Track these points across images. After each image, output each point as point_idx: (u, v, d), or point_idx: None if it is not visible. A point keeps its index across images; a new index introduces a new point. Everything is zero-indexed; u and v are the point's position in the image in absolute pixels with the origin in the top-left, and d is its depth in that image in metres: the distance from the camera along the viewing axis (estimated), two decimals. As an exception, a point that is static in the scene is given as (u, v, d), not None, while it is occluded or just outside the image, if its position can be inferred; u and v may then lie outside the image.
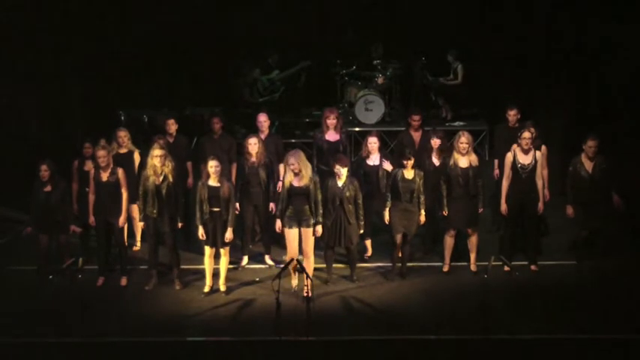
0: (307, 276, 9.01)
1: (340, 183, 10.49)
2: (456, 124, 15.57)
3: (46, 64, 13.65)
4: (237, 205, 10.88)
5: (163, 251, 10.84)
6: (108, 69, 14.88)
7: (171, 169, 10.51)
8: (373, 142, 11.13)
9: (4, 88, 13.14)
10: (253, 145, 10.94)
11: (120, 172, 10.71)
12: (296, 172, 10.31)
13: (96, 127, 13.52)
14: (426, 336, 9.37)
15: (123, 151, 11.35)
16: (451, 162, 10.70)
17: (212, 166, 10.27)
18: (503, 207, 10.88)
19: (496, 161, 11.98)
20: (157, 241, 10.71)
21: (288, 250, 10.52)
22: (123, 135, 11.39)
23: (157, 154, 10.45)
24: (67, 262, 9.96)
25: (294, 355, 8.96)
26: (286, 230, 10.46)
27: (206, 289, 10.50)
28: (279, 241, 11.32)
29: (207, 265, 10.47)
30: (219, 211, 10.29)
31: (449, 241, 10.89)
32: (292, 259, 10.12)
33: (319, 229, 10.44)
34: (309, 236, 10.41)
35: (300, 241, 10.44)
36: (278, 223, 10.54)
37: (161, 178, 10.47)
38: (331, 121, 11.60)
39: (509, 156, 10.84)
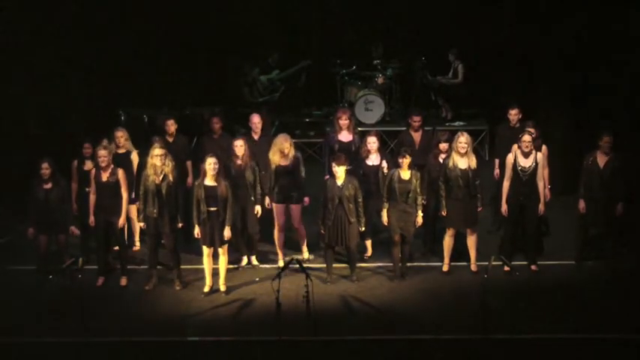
0: (307, 276, 9.01)
1: (339, 182, 10.50)
2: (456, 124, 15.57)
3: (45, 63, 13.63)
4: None
5: (163, 251, 10.86)
6: (108, 69, 14.87)
7: (171, 169, 10.53)
8: (372, 142, 11.13)
9: (4, 87, 13.13)
10: (239, 147, 10.98)
11: (120, 172, 10.72)
12: (285, 152, 10.86)
13: (96, 127, 13.52)
14: (426, 336, 9.37)
15: (121, 151, 11.35)
16: (450, 163, 10.70)
17: (210, 163, 10.29)
18: (504, 208, 10.87)
19: (496, 161, 11.98)
20: (157, 241, 10.71)
21: (276, 223, 11.21)
22: (120, 135, 11.38)
23: (157, 153, 10.46)
24: (67, 262, 9.96)
25: (294, 355, 8.96)
26: (274, 205, 11.16)
27: (206, 289, 10.51)
28: (272, 246, 11.53)
29: (206, 264, 10.48)
30: (216, 210, 10.30)
31: (448, 241, 10.89)
32: (292, 259, 10.14)
33: (307, 199, 11.15)
34: (296, 211, 11.15)
35: (289, 216, 11.23)
36: (267, 200, 11.14)
37: (161, 178, 10.48)
38: (344, 121, 11.62)
39: (510, 157, 10.83)
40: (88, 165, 11.08)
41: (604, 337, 9.22)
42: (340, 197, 10.46)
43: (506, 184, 10.85)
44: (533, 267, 10.92)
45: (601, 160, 10.78)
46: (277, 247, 11.34)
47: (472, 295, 9.81)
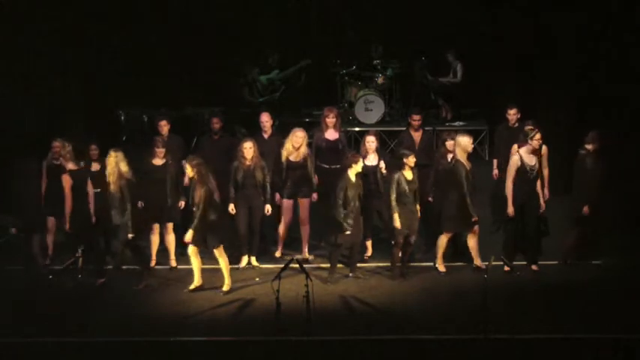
0: (307, 276, 9.00)
1: (354, 180, 10.54)
2: (456, 124, 15.57)
3: (46, 64, 13.65)
4: (232, 206, 10.96)
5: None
6: (108, 69, 14.88)
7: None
8: (371, 142, 11.12)
9: (4, 88, 13.14)
10: (249, 149, 10.95)
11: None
12: (297, 146, 10.92)
13: (96, 127, 13.55)
14: (426, 336, 9.37)
15: (57, 162, 11.23)
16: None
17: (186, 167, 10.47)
18: (511, 210, 10.78)
19: (495, 161, 11.99)
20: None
21: (283, 219, 11.33)
22: (57, 146, 11.21)
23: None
24: (66, 262, 9.97)
25: (294, 355, 8.96)
26: (284, 201, 11.25)
27: (191, 286, 10.54)
28: (271, 245, 11.61)
29: (193, 263, 10.51)
30: (195, 211, 10.34)
31: (444, 241, 10.87)
32: (292, 259, 10.14)
33: (315, 195, 11.23)
34: (305, 205, 11.26)
35: (295, 213, 11.34)
36: (277, 196, 11.17)
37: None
38: (330, 119, 11.61)
39: (515, 158, 10.75)
40: (95, 166, 11.10)
41: (604, 337, 9.22)
42: (358, 195, 10.51)
43: (510, 186, 10.79)
44: (534, 267, 10.90)
45: (590, 159, 10.78)
46: (280, 240, 11.44)
47: (472, 295, 9.81)
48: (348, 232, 10.51)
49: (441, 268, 10.94)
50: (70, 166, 11.04)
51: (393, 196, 10.58)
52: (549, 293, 10.28)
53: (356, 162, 10.55)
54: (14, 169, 11.34)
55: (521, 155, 10.75)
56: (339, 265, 10.99)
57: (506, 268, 10.62)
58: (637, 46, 12.87)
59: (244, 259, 11.28)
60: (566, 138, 13.10)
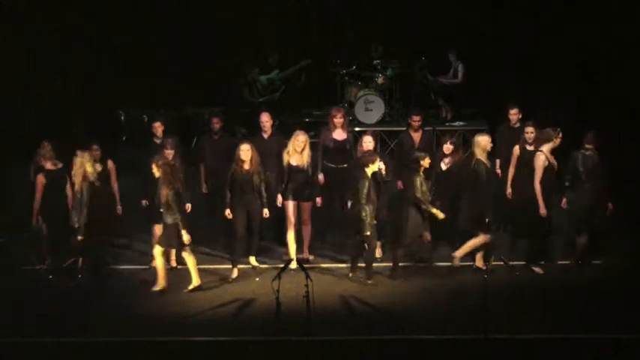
0: (307, 276, 9.00)
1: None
2: (456, 124, 15.57)
3: (46, 64, 13.66)
4: (228, 211, 10.90)
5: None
6: (108, 69, 14.90)
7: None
8: (368, 142, 11.08)
9: (4, 88, 13.15)
10: (246, 151, 10.86)
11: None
12: (299, 150, 10.80)
13: (96, 127, 13.55)
14: (426, 336, 9.37)
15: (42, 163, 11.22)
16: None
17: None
18: (544, 211, 10.64)
19: (498, 161, 11.98)
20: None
21: (287, 221, 11.09)
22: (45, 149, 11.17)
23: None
24: (67, 261, 9.98)
25: (294, 355, 8.96)
26: (286, 203, 11.08)
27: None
28: (273, 245, 11.59)
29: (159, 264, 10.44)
30: (162, 212, 10.32)
31: (484, 240, 10.80)
32: (291, 259, 10.17)
33: (319, 200, 11.20)
34: (307, 208, 11.17)
35: (299, 212, 11.19)
36: (279, 198, 11.04)
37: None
38: (338, 119, 11.59)
39: (542, 158, 10.68)
40: (97, 167, 11.08)
41: (604, 337, 9.22)
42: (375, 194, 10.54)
43: (539, 187, 10.67)
44: (537, 268, 10.88)
45: (590, 159, 10.79)
46: (289, 245, 11.11)
47: (472, 295, 9.81)
48: (368, 233, 10.49)
49: (456, 262, 10.82)
50: (49, 165, 10.94)
51: (421, 197, 10.53)
52: (549, 293, 10.28)
53: (373, 161, 10.53)
54: (12, 169, 11.36)
55: (545, 154, 10.73)
56: (341, 265, 10.99)
57: (536, 269, 10.66)
58: (637, 46, 12.90)
59: (235, 272, 10.94)
60: (566, 138, 13.11)
